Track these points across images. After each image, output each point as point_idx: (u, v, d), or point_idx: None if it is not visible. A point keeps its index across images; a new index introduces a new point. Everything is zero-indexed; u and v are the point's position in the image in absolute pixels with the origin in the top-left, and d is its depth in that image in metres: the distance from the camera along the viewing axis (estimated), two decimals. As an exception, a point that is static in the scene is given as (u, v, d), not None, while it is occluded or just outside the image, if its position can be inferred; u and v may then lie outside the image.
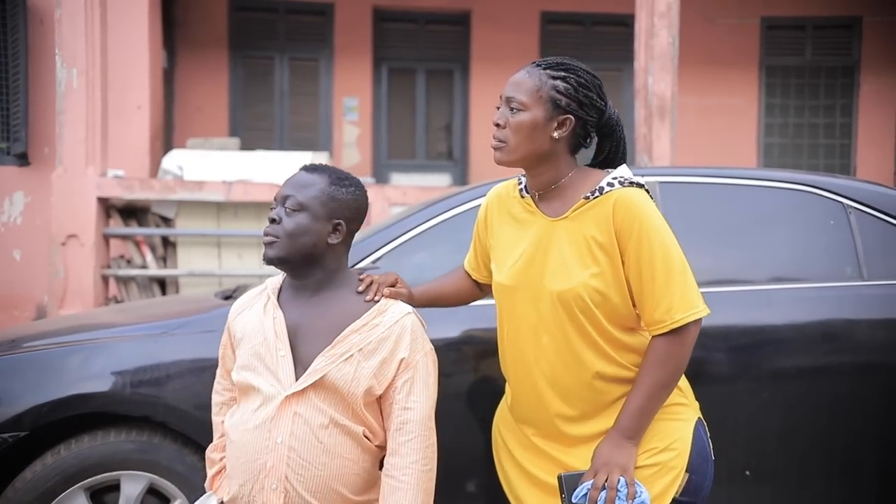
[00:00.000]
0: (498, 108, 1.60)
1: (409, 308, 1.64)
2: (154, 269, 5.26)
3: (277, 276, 1.71)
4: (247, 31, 7.21)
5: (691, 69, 6.56)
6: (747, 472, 2.17)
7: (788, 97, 7.40)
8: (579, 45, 7.37)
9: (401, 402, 1.57)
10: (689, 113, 6.90)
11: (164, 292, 5.34)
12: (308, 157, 5.50)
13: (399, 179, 7.28)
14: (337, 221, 1.61)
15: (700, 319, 1.53)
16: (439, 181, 7.26)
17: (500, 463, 1.76)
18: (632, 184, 1.56)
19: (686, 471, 1.56)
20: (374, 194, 5.23)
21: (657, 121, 4.88)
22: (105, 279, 5.11)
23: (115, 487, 2.12)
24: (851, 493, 2.24)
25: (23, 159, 5.97)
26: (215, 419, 1.74)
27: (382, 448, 1.63)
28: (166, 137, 6.77)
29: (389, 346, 1.57)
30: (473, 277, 1.87)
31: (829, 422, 2.20)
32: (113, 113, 5.44)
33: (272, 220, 1.60)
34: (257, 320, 1.63)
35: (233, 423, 1.62)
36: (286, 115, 7.27)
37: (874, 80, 7.31)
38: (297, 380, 1.56)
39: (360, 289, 1.64)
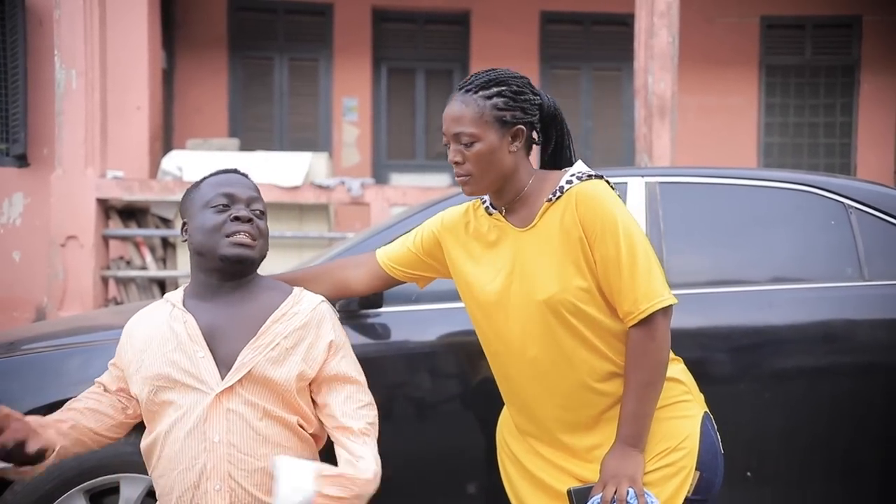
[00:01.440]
0: (445, 144, 1.59)
1: (320, 297, 1.72)
2: (154, 271, 5.26)
3: (178, 290, 1.71)
4: (246, 32, 7.20)
5: (691, 69, 6.56)
6: (748, 473, 2.16)
7: (788, 96, 7.39)
8: (579, 44, 7.36)
9: (343, 378, 1.65)
10: (689, 112, 6.89)
11: (163, 293, 5.32)
12: (307, 158, 5.50)
13: (398, 180, 7.27)
14: None
15: (669, 310, 1.51)
16: (439, 181, 7.25)
17: (504, 467, 1.74)
18: (590, 177, 1.57)
19: (696, 468, 1.55)
20: (374, 194, 5.24)
21: (657, 120, 4.87)
22: (104, 280, 5.10)
23: (114, 490, 2.11)
24: (853, 493, 2.23)
25: (22, 160, 5.97)
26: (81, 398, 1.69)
27: (317, 437, 1.66)
28: (166, 138, 6.77)
29: (313, 331, 1.63)
30: (384, 269, 1.82)
31: (831, 422, 2.19)
32: (112, 114, 5.44)
33: (247, 219, 1.62)
34: (165, 328, 1.62)
35: (155, 438, 1.59)
36: (285, 115, 7.27)
37: (874, 79, 7.31)
38: (222, 378, 1.56)
39: None
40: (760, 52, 7.38)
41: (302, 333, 1.62)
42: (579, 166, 1.61)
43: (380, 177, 7.25)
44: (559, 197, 1.55)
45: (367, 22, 7.25)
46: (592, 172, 1.58)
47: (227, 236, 1.61)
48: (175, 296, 1.69)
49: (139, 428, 2.10)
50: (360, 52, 7.23)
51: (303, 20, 7.29)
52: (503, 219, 1.63)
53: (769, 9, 7.27)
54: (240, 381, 1.56)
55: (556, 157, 1.65)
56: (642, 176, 2.34)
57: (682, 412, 1.59)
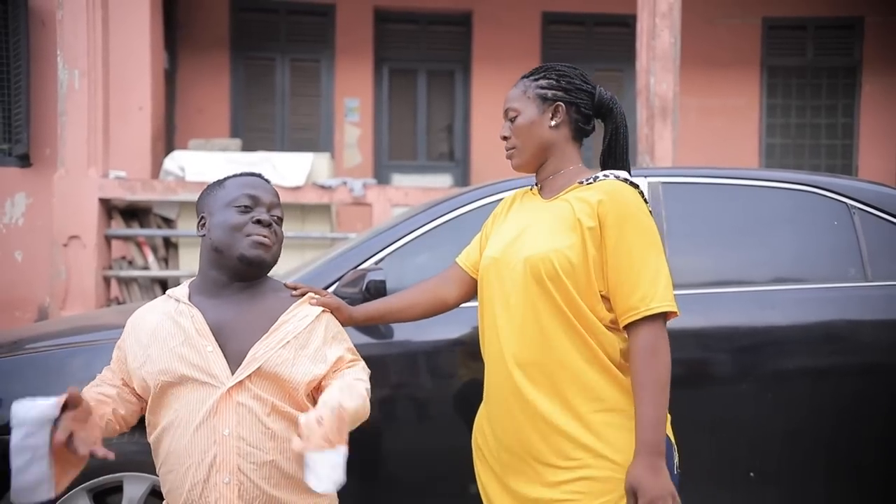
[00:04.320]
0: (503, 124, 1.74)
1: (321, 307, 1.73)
2: (156, 270, 5.26)
3: (181, 286, 1.72)
4: (248, 33, 7.21)
5: (693, 70, 6.55)
6: (751, 473, 2.16)
7: (790, 97, 7.39)
8: (580, 45, 7.36)
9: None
10: (691, 114, 6.89)
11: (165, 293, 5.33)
12: (310, 158, 5.50)
13: (400, 180, 7.27)
14: None
15: (668, 318, 1.52)
16: (440, 182, 7.25)
17: (477, 469, 1.75)
18: (626, 181, 1.62)
19: None
20: (376, 195, 5.24)
21: (659, 121, 4.87)
22: (107, 280, 5.11)
23: (117, 489, 2.12)
24: (855, 493, 2.23)
25: (24, 160, 5.97)
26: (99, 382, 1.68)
27: None
28: (168, 138, 6.77)
29: (320, 336, 1.65)
30: (467, 272, 1.85)
31: (833, 423, 2.20)
32: (114, 114, 5.44)
33: (267, 224, 1.65)
34: (170, 323, 1.62)
35: (162, 432, 1.59)
36: (287, 116, 7.27)
37: (876, 80, 7.30)
38: (232, 373, 1.56)
39: (295, 293, 1.72)
40: (762, 53, 7.38)
41: (309, 336, 1.64)
42: (621, 172, 1.67)
43: (381, 177, 7.25)
44: (591, 183, 1.62)
45: (369, 22, 7.26)
46: (631, 179, 1.64)
47: (248, 236, 1.63)
48: (179, 291, 1.69)
49: (142, 427, 2.12)
50: (361, 52, 7.23)
51: (304, 21, 7.29)
52: (538, 193, 1.74)
53: (771, 10, 7.28)
54: (249, 376, 1.56)
55: (611, 155, 1.71)
56: (645, 176, 2.34)
57: (624, 424, 1.53)
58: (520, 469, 1.60)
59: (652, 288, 1.50)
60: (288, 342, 1.60)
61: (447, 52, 7.46)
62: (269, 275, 1.74)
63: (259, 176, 1.74)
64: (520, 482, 1.60)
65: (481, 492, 1.73)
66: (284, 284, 1.74)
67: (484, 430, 1.72)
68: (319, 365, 1.62)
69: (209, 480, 1.53)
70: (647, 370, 1.49)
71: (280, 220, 1.70)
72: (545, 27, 7.35)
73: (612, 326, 1.56)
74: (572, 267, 1.53)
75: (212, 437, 1.53)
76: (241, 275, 1.65)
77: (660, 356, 1.50)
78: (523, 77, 1.73)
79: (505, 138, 1.71)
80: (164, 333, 1.61)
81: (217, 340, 1.59)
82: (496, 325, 1.63)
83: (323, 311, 1.70)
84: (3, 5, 5.87)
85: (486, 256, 1.70)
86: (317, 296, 1.73)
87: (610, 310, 1.56)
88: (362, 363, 1.72)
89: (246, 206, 1.65)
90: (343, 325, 1.77)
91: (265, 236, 1.64)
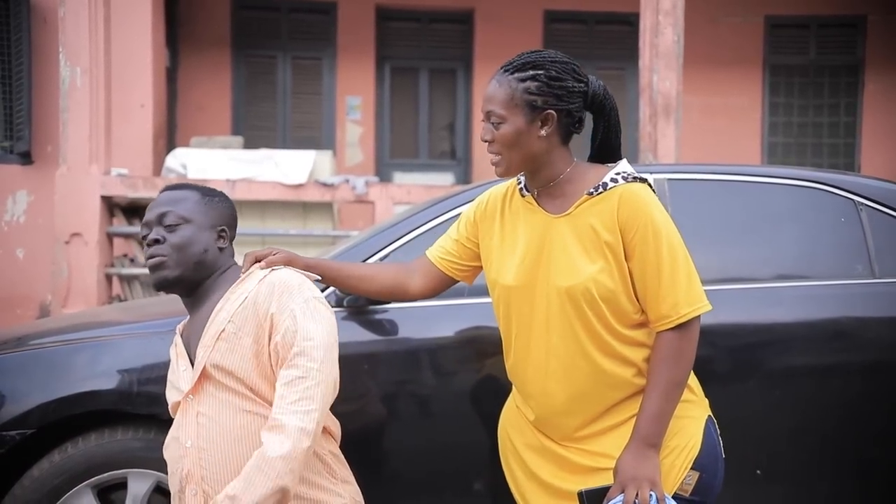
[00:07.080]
0: (483, 122, 1.59)
1: (269, 270, 1.64)
2: (157, 268, 5.25)
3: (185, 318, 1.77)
4: (250, 30, 7.20)
5: (695, 68, 6.54)
6: (758, 471, 2.16)
7: (792, 96, 7.39)
8: (583, 43, 7.36)
9: (291, 349, 1.49)
10: (693, 112, 6.89)
11: (167, 291, 5.33)
12: (312, 156, 5.50)
13: (402, 178, 7.27)
14: (221, 228, 1.70)
15: (700, 315, 1.52)
16: (442, 180, 7.24)
17: (508, 464, 1.73)
18: (635, 178, 1.56)
19: (696, 469, 1.54)
20: (379, 192, 5.24)
21: (662, 119, 4.87)
22: (108, 278, 5.10)
23: (122, 485, 2.11)
24: (862, 491, 2.23)
25: (26, 158, 5.97)
26: None
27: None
28: (169, 136, 6.77)
29: (253, 306, 1.56)
30: (435, 265, 1.81)
31: (840, 420, 2.19)
32: (116, 111, 5.44)
33: (154, 241, 1.63)
34: (173, 355, 1.72)
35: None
36: (289, 113, 7.27)
37: (878, 78, 7.30)
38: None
39: (243, 270, 1.70)
40: (765, 51, 7.37)
41: (245, 313, 1.57)
42: (624, 166, 1.59)
43: (383, 176, 7.25)
44: (601, 193, 1.54)
45: (371, 20, 7.25)
46: (637, 174, 1.56)
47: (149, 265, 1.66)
48: (181, 325, 1.79)
49: (146, 424, 2.11)
50: (363, 50, 7.23)
51: (306, 18, 7.29)
52: (535, 202, 1.62)
53: (773, 8, 7.27)
54: (208, 380, 1.59)
55: (602, 150, 1.62)
56: (650, 173, 2.33)
57: (685, 413, 1.58)
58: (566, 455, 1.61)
59: (682, 293, 1.49)
60: (223, 330, 1.56)
61: (449, 50, 7.45)
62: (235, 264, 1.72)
63: (166, 188, 1.74)
64: (567, 474, 1.59)
65: (511, 484, 1.72)
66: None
67: (516, 421, 1.70)
68: (260, 342, 1.54)
69: (184, 491, 1.59)
70: (667, 371, 1.50)
71: (174, 226, 1.64)
72: (547, 25, 7.35)
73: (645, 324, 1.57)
74: (610, 292, 1.51)
75: (178, 451, 1.60)
76: (181, 294, 1.69)
77: (683, 360, 1.51)
78: (506, 70, 1.54)
79: (488, 142, 1.57)
80: (171, 367, 1.72)
81: (189, 356, 1.64)
82: (532, 350, 1.60)
83: (272, 270, 1.64)
84: (4, 3, 5.87)
85: (504, 285, 1.61)
86: (262, 260, 1.71)
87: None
88: (311, 356, 1.49)
89: (145, 237, 1.68)
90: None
91: (154, 256, 1.62)
